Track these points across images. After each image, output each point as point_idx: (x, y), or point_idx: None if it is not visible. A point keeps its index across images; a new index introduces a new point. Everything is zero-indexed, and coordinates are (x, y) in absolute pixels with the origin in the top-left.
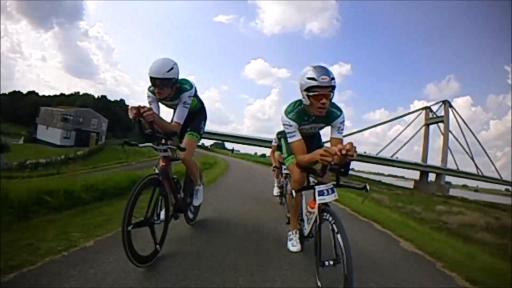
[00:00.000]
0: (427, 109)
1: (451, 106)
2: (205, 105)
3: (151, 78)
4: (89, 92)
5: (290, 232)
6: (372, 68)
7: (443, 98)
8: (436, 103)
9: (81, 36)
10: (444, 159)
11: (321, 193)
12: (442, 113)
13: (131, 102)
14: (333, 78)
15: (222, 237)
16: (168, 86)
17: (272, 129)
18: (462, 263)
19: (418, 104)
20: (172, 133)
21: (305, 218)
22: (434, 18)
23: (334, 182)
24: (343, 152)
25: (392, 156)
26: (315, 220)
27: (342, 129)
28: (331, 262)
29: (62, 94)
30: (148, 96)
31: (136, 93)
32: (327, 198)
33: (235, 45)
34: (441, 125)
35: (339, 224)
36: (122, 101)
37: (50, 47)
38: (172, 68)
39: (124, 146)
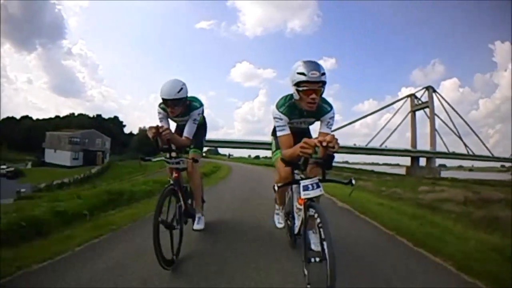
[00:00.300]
0: (412, 96)
1: (435, 91)
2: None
3: (163, 99)
4: (81, 112)
5: (276, 207)
6: (357, 60)
7: (429, 83)
8: (421, 89)
9: (64, 55)
10: (433, 143)
11: (305, 188)
12: (427, 99)
13: (121, 117)
14: (323, 74)
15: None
16: (179, 105)
17: (262, 131)
18: (412, 230)
19: (405, 91)
20: (184, 147)
21: (295, 215)
22: (413, 4)
23: (320, 177)
24: (324, 144)
25: (381, 146)
26: (303, 218)
27: (331, 124)
28: (317, 259)
29: (57, 117)
30: (159, 113)
31: (124, 107)
32: (312, 193)
33: (219, 50)
34: (428, 110)
35: (324, 221)
36: (116, 118)
37: (34, 69)
38: (181, 89)
39: (140, 161)
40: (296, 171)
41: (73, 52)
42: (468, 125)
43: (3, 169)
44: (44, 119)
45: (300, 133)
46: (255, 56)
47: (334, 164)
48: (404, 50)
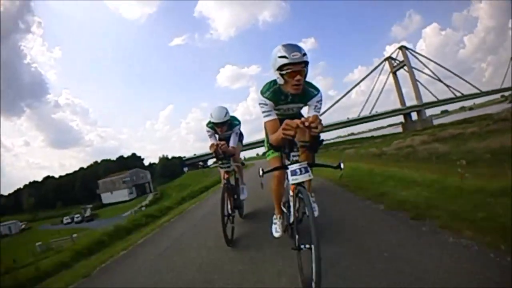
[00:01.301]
0: (389, 58)
1: (407, 48)
2: (192, 127)
3: (215, 123)
4: (85, 157)
5: (274, 216)
6: (335, 33)
7: (410, 34)
8: (394, 51)
9: (53, 109)
10: (418, 97)
11: (293, 172)
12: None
13: (123, 152)
14: (304, 54)
15: None
16: (225, 125)
17: (261, 126)
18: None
19: (390, 49)
20: (232, 155)
21: (291, 204)
22: None
23: (309, 161)
24: (306, 124)
25: (370, 113)
26: (293, 204)
27: (319, 108)
28: (307, 246)
29: (81, 168)
30: (208, 131)
31: (124, 142)
32: (300, 178)
33: (199, 61)
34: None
35: (309, 207)
36: (134, 154)
37: (27, 130)
38: (226, 114)
39: (203, 168)
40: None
41: (60, 103)
42: (445, 68)
43: (79, 216)
44: (68, 174)
45: (291, 119)
46: (236, 57)
47: (342, 138)
48: (377, 10)
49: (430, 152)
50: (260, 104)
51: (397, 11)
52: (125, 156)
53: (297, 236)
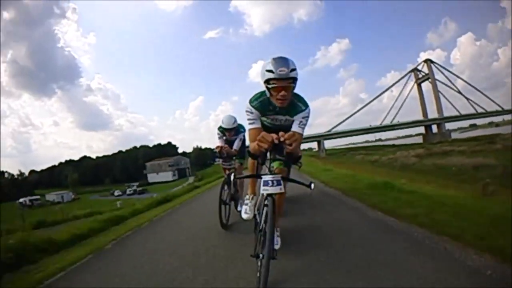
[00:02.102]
0: (415, 70)
1: (432, 62)
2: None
3: (224, 128)
4: (113, 141)
5: (246, 196)
6: (370, 36)
7: (445, 42)
8: (420, 63)
9: (85, 92)
10: (439, 110)
11: (266, 183)
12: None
13: (151, 139)
14: (293, 70)
15: None
16: (232, 131)
17: None
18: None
19: (424, 56)
20: (233, 156)
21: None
22: None
23: (284, 175)
24: (281, 139)
25: (391, 122)
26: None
27: (304, 124)
28: (261, 255)
29: (120, 151)
30: (218, 134)
31: (154, 129)
32: (271, 190)
33: (233, 55)
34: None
35: (270, 220)
36: (169, 143)
37: (58, 111)
38: (234, 121)
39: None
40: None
41: (92, 87)
42: (468, 83)
43: (131, 189)
44: (107, 156)
45: (280, 130)
46: (269, 53)
47: (367, 144)
48: (413, 15)
49: (422, 166)
50: (246, 111)
51: (434, 16)
52: (162, 144)
53: (259, 245)
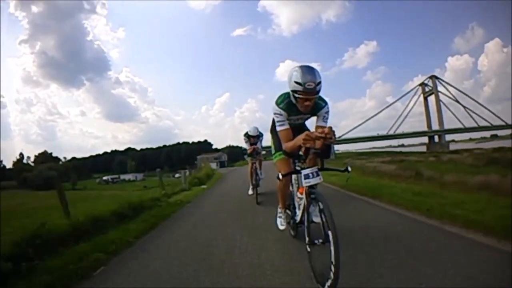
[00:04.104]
0: (422, 84)
1: (437, 78)
2: (247, 117)
3: (251, 135)
4: (140, 133)
5: (279, 211)
6: (397, 39)
7: (472, 47)
8: (426, 78)
9: (113, 85)
10: (441, 123)
11: (306, 176)
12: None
13: (176, 132)
14: (319, 83)
15: None
16: (256, 137)
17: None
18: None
19: (452, 61)
20: (259, 154)
21: (296, 205)
22: None
23: (319, 166)
24: (323, 135)
25: (395, 132)
26: (304, 204)
27: (327, 118)
28: (320, 241)
29: (164, 146)
30: (244, 139)
31: (179, 123)
32: (313, 181)
33: (260, 53)
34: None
35: (325, 205)
36: (205, 140)
37: (85, 102)
38: (258, 130)
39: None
40: (297, 163)
41: (121, 80)
42: (472, 98)
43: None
44: (152, 148)
45: (297, 128)
46: (297, 53)
47: (381, 149)
48: (441, 19)
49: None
50: (275, 114)
51: (461, 22)
52: (200, 141)
53: (309, 233)
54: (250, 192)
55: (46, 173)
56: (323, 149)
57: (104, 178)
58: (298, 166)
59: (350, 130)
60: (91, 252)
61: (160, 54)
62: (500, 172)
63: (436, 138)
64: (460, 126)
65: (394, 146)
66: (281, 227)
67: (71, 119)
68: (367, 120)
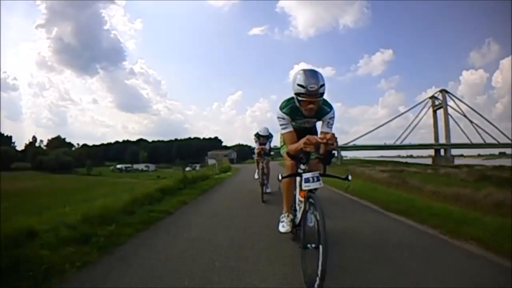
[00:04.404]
0: (433, 97)
1: (448, 92)
2: (258, 116)
3: (261, 135)
4: (151, 124)
5: (282, 215)
6: (413, 49)
7: (487, 63)
8: (436, 92)
9: (127, 75)
10: (448, 137)
11: (306, 180)
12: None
13: (186, 127)
14: (322, 85)
15: None
16: (265, 137)
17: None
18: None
19: (466, 75)
20: (267, 154)
21: (297, 207)
22: None
23: (321, 172)
24: (324, 141)
25: (401, 142)
26: (303, 208)
27: (332, 124)
28: (313, 245)
29: (176, 139)
30: (254, 138)
31: (189, 118)
32: (312, 185)
33: (275, 53)
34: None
35: (320, 210)
36: (216, 137)
37: (98, 90)
38: (268, 131)
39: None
40: (301, 166)
41: (135, 71)
42: (480, 114)
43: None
44: (160, 141)
45: (306, 131)
46: (312, 56)
47: (389, 158)
48: (458, 32)
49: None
50: (278, 118)
51: (477, 36)
52: (212, 137)
53: (304, 236)
54: (256, 176)
55: (63, 158)
56: (325, 155)
57: (118, 166)
58: (301, 169)
59: (359, 137)
60: (176, 202)
61: (176, 47)
62: (488, 189)
63: (442, 152)
64: (467, 141)
65: (403, 157)
66: (282, 230)
67: (83, 106)
68: (375, 128)
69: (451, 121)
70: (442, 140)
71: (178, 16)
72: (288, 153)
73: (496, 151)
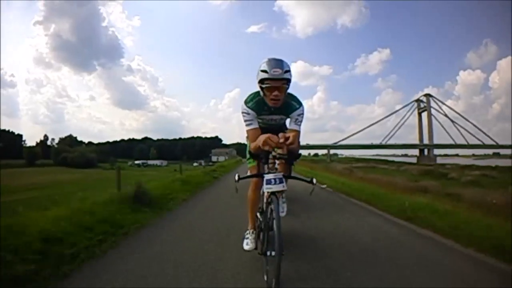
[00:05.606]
0: (418, 101)
1: (431, 96)
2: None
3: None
4: (147, 121)
5: (247, 231)
6: (411, 49)
7: (484, 64)
8: (421, 96)
9: (125, 72)
10: (431, 138)
11: (268, 181)
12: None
13: (183, 124)
14: (287, 71)
15: None
16: None
17: (323, 127)
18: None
19: (463, 75)
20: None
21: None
22: None
23: (286, 173)
24: (282, 140)
25: (385, 142)
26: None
27: (300, 121)
28: (273, 253)
29: (180, 138)
30: (246, 136)
31: (186, 115)
32: (274, 187)
33: (272, 51)
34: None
35: (277, 216)
36: (216, 137)
37: (95, 87)
38: None
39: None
40: (265, 167)
41: (133, 68)
42: (464, 117)
43: (200, 162)
44: (166, 139)
45: (275, 129)
46: (310, 54)
47: (380, 157)
48: (456, 33)
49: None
50: (242, 113)
51: (475, 37)
52: (213, 136)
53: (265, 242)
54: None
55: (88, 155)
56: (288, 155)
57: (136, 162)
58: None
59: (347, 137)
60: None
61: (173, 45)
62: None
63: (427, 152)
64: (451, 142)
65: (398, 156)
66: (246, 247)
67: (80, 103)
68: (364, 128)
69: (436, 123)
70: (426, 141)
71: (176, 13)
72: (250, 152)
73: (488, 151)
